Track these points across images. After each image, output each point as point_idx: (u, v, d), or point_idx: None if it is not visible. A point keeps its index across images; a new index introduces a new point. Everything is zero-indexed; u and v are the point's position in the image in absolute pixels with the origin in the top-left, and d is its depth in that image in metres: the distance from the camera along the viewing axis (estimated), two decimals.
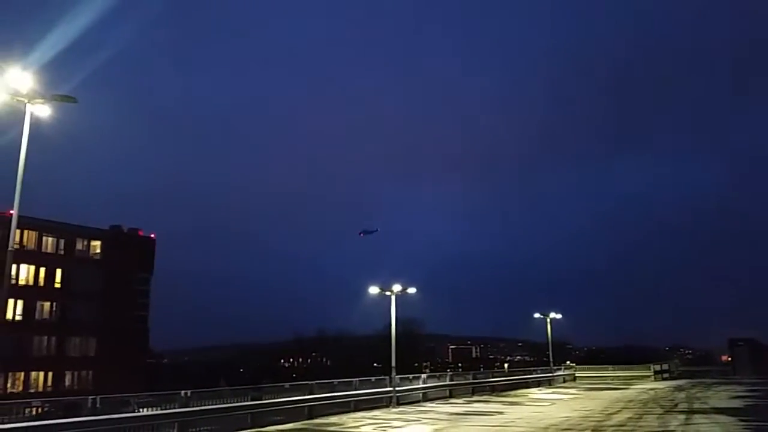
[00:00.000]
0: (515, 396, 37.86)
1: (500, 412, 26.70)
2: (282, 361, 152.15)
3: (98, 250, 69.73)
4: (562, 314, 57.54)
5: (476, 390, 39.54)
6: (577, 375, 59.24)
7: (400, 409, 28.62)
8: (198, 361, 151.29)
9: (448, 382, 36.93)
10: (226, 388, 27.30)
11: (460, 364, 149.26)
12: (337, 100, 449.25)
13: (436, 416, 25.07)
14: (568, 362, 76.46)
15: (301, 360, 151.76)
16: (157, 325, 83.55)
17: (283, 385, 27.60)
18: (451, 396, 35.59)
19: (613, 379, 57.41)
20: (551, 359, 56.77)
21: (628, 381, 55.25)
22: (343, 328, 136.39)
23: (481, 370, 58.25)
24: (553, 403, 31.90)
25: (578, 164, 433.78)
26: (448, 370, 75.13)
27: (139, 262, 74.34)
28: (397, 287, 32.23)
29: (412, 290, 32.94)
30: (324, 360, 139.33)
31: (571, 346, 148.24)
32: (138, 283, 75.59)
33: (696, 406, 28.95)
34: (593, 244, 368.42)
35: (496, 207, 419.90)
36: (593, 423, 21.77)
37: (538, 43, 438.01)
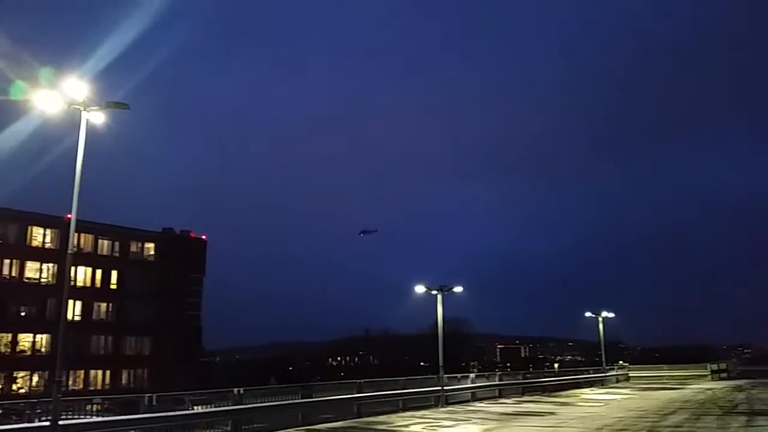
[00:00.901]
0: (567, 396, 37.16)
1: (552, 413, 26.24)
2: (330, 359, 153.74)
3: (152, 252, 72.00)
4: (614, 313, 56.24)
5: (526, 390, 39.01)
6: (630, 375, 57.75)
7: (449, 408, 28.47)
8: (248, 359, 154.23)
9: (497, 382, 36.55)
10: (277, 386, 27.70)
11: (508, 364, 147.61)
12: (379, 99, 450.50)
13: (486, 416, 24.84)
14: (620, 362, 74.67)
15: (348, 359, 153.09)
16: (208, 325, 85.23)
17: (332, 384, 27.89)
18: (500, 396, 35.20)
19: (668, 379, 55.70)
20: (603, 359, 55.53)
21: (684, 381, 53.53)
22: (390, 327, 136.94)
23: (530, 370, 57.50)
24: (607, 404, 31.18)
25: (630, 161, 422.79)
26: (497, 370, 74.47)
27: (191, 263, 76.23)
28: (443, 286, 32.10)
29: (458, 289, 32.75)
30: (371, 359, 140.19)
31: (623, 346, 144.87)
32: (190, 284, 77.48)
33: (758, 407, 27.80)
34: (646, 242, 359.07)
35: (548, 205, 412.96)
36: (648, 424, 21.17)
37: (603, 28, 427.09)
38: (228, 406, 19.90)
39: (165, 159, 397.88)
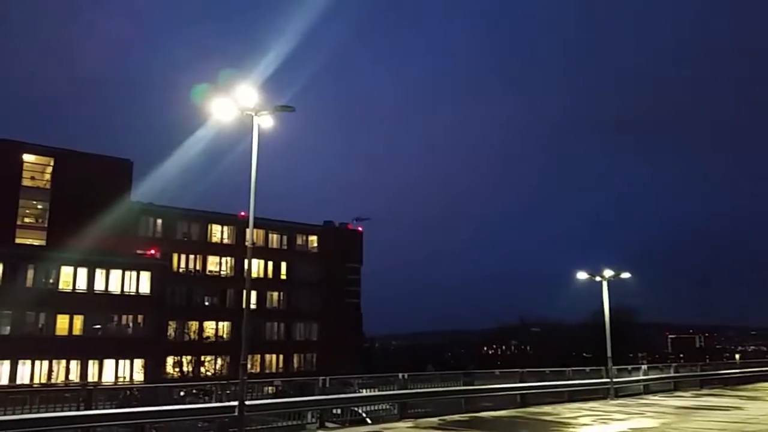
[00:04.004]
0: (754, 390, 33.59)
1: (738, 407, 23.92)
2: (485, 348, 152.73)
3: (315, 244, 76.68)
4: None
5: (704, 383, 35.85)
6: None
7: (619, 401, 27.02)
8: (405, 346, 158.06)
9: (672, 374, 34.00)
10: (438, 372, 28.09)
11: (681, 355, 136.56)
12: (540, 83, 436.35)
13: (662, 409, 23.25)
14: None
15: (504, 348, 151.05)
16: (367, 312, 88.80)
17: (492, 372, 27.69)
18: (675, 389, 32.71)
19: None
20: None
21: None
22: (548, 315, 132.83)
23: (707, 361, 52.68)
24: None
25: None
26: (668, 361, 69.20)
27: (350, 254, 79.95)
28: (608, 272, 30.42)
29: (625, 275, 30.79)
30: (527, 348, 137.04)
31: None
32: (349, 273, 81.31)
33: None
34: None
35: (722, 185, 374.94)
36: None
37: None
38: (393, 390, 20.56)
39: (324, 155, 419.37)
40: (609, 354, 29.23)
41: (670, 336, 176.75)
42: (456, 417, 20.22)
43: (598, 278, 30.60)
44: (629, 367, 33.16)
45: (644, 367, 34.02)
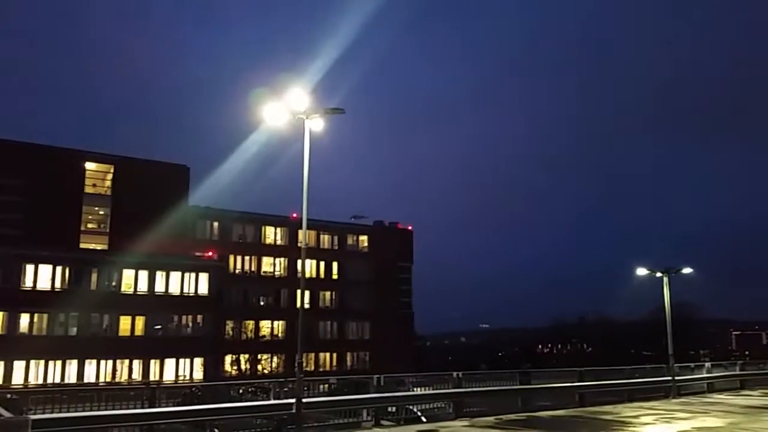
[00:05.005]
0: None
1: None
2: (540, 346, 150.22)
3: (365, 244, 77.13)
4: None
5: None
6: None
7: (682, 399, 26.16)
8: (456, 344, 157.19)
9: (738, 372, 32.68)
10: (494, 371, 27.86)
11: (747, 352, 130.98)
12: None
13: (729, 408, 22.37)
14: None
15: (560, 346, 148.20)
16: (419, 311, 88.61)
17: (548, 371, 27.26)
18: (742, 387, 31.41)
19: None
20: None
21: None
22: (605, 313, 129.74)
23: None
24: None
25: None
26: (732, 358, 66.45)
27: (400, 253, 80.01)
28: (669, 268, 29.45)
29: (687, 270, 29.77)
30: (584, 346, 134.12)
31: None
32: (400, 272, 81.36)
33: None
34: None
35: None
36: None
37: None
38: (447, 389, 20.47)
39: (371, 155, 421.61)
40: (671, 351, 28.34)
41: (735, 332, 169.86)
42: (512, 416, 19.96)
43: (658, 274, 29.67)
44: (692, 364, 32.10)
45: (707, 364, 32.81)
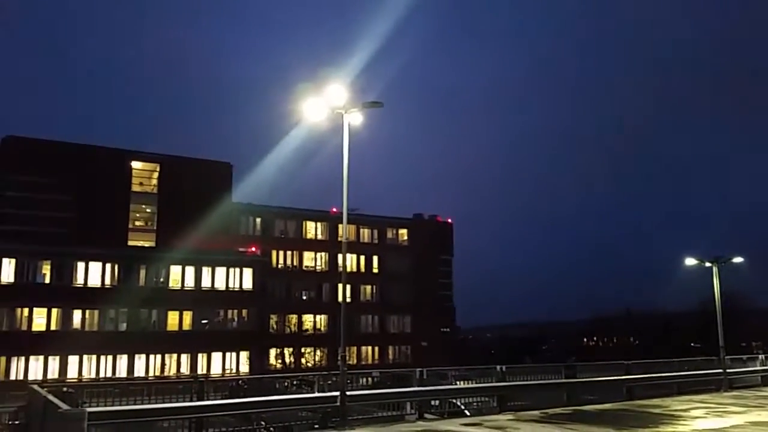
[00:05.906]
0: None
1: None
2: (585, 339, 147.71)
3: (405, 238, 77.10)
4: None
5: None
6: None
7: (734, 393, 25.40)
8: (499, 338, 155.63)
9: None
10: (539, 365, 27.55)
11: None
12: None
13: None
14: None
15: (606, 339, 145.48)
16: (460, 304, 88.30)
17: (594, 364, 26.80)
18: None
19: None
20: None
21: None
22: (652, 304, 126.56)
23: None
24: None
25: None
26: None
27: (440, 246, 79.80)
28: (719, 257, 28.55)
29: (738, 260, 28.84)
30: (631, 339, 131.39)
31: None
32: (440, 265, 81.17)
33: None
34: None
35: None
36: None
37: None
38: (491, 382, 20.34)
39: (410, 148, 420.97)
40: (721, 343, 27.53)
41: None
42: (558, 410, 19.69)
43: (707, 264, 28.82)
44: (744, 356, 31.14)
45: (761, 356, 31.76)
